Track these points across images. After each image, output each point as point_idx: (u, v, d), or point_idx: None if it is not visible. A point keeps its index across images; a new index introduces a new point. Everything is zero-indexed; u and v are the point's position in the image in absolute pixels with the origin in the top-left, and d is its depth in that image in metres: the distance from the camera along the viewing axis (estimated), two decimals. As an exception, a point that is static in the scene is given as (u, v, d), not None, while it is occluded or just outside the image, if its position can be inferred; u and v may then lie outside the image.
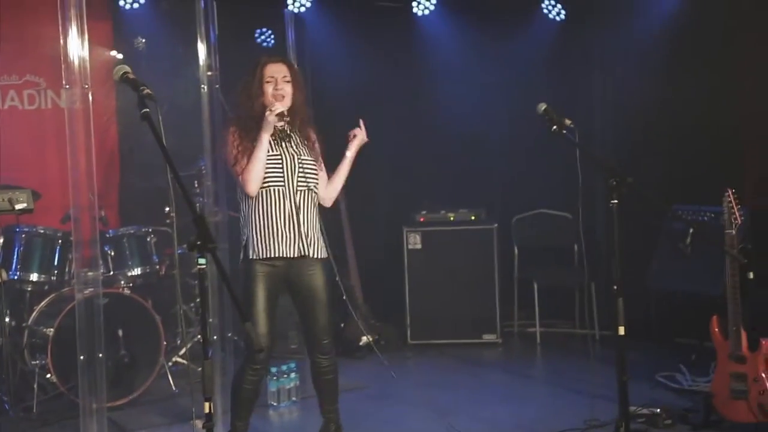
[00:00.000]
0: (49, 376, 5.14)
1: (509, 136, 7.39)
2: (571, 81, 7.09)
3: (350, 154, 4.23)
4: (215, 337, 4.97)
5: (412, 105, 7.54)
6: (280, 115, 3.93)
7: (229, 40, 5.64)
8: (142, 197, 6.59)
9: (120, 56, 6.54)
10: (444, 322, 6.76)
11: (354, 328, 6.55)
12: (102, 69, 6.33)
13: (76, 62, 4.56)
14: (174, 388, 5.53)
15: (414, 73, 7.60)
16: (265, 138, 3.92)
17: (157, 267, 5.80)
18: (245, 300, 3.93)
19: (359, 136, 4.22)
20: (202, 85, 5.40)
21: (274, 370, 5.25)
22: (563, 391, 5.45)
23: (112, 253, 5.60)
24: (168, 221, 6.10)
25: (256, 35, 7.28)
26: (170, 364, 5.75)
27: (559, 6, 7.23)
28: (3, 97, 6.49)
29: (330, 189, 4.25)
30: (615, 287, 3.88)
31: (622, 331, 3.73)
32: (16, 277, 5.33)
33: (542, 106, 4.25)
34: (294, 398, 5.34)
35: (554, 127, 4.06)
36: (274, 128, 3.96)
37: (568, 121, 4.21)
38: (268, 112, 3.90)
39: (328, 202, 4.26)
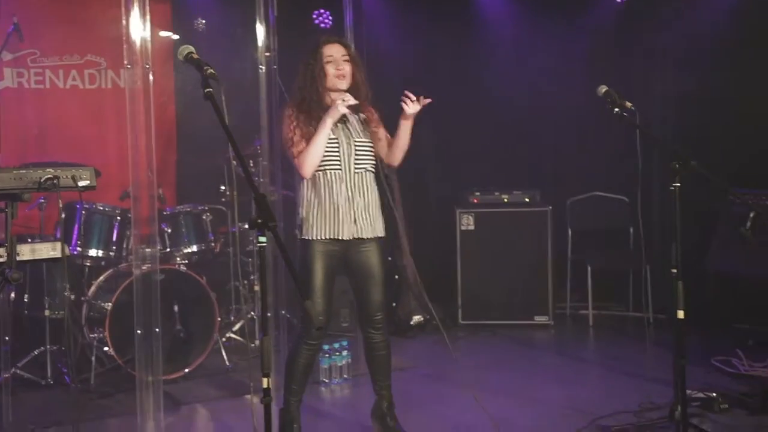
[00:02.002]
0: (106, 349, 5.26)
1: (564, 118, 7.33)
2: (630, 65, 6.99)
3: (406, 121, 4.09)
4: (269, 315, 5.03)
5: (468, 86, 7.51)
6: (352, 108, 3.94)
7: (287, 21, 5.67)
8: (199, 176, 6.69)
9: (176, 37, 6.64)
10: (496, 303, 6.74)
11: (406, 307, 6.59)
12: (161, 50, 6.45)
13: (138, 42, 4.62)
14: (227, 363, 5.60)
15: (470, 53, 7.56)
16: (330, 124, 3.93)
17: (213, 244, 5.88)
18: (303, 278, 3.96)
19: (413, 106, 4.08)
20: (260, 66, 5.44)
21: (326, 347, 5.30)
22: (616, 373, 5.41)
23: (169, 231, 5.68)
24: (224, 200, 6.19)
25: (314, 16, 7.30)
26: (224, 339, 5.83)
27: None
28: (65, 76, 6.61)
29: (395, 151, 4.16)
30: (674, 271, 3.85)
31: (681, 314, 3.69)
32: (75, 253, 5.44)
33: (603, 88, 4.21)
34: (345, 375, 5.39)
35: (616, 109, 4.02)
36: None
37: (628, 104, 4.17)
38: (340, 101, 3.91)
39: (395, 162, 4.19)
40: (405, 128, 4.09)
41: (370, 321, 4.18)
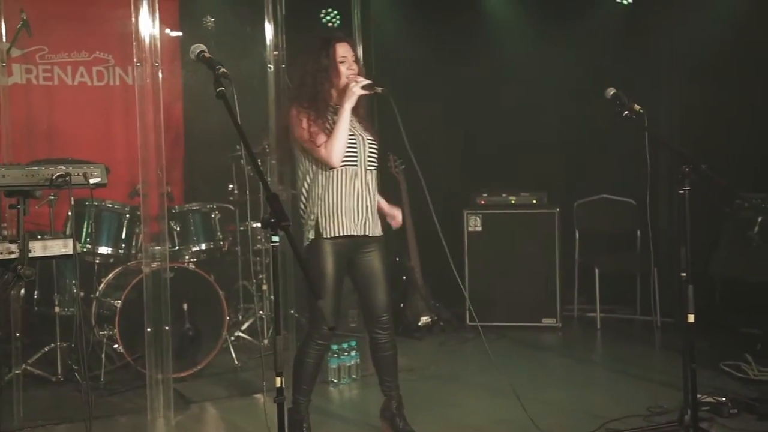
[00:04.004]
0: (116, 346, 5.26)
1: (572, 121, 7.32)
2: (637, 68, 6.97)
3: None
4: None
5: (476, 87, 7.51)
6: (367, 87, 3.94)
7: (295, 19, 5.68)
8: (206, 174, 6.70)
9: (175, 34, 6.65)
10: (503, 305, 6.74)
11: (413, 308, 6.59)
12: (169, 48, 6.45)
13: (147, 40, 4.64)
14: (236, 362, 5.60)
15: (478, 54, 7.56)
16: (349, 109, 3.93)
17: (221, 243, 5.88)
18: (314, 278, 3.95)
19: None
20: (269, 65, 5.45)
21: (334, 347, 5.30)
22: (624, 376, 5.40)
23: (178, 229, 5.68)
24: (231, 198, 6.20)
25: (322, 15, 7.31)
26: (232, 338, 5.83)
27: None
28: (73, 73, 6.63)
29: None
30: (683, 275, 3.85)
31: (691, 318, 3.69)
32: (85, 250, 5.44)
33: (611, 91, 4.22)
34: (354, 376, 5.38)
35: (625, 112, 4.02)
36: None
37: (637, 107, 4.18)
38: (353, 84, 3.92)
39: None
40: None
41: (376, 322, 4.17)
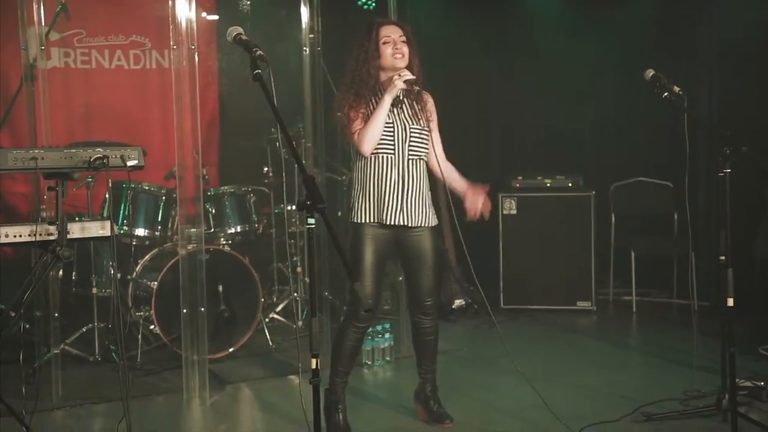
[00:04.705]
0: (152, 327, 5.32)
1: (609, 102, 7.26)
2: (675, 49, 6.87)
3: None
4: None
5: (512, 70, 7.47)
6: (409, 82, 3.92)
7: (331, 2, 5.66)
8: (241, 157, 6.73)
9: (211, 18, 6.67)
10: (537, 288, 6.72)
11: (448, 291, 6.59)
12: (205, 31, 6.48)
13: (184, 23, 4.66)
14: (271, 343, 5.64)
15: (514, 38, 7.53)
16: (389, 101, 3.91)
17: (256, 225, 5.91)
18: (353, 261, 3.96)
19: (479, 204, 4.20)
20: (304, 48, 5.45)
21: (368, 330, 5.31)
22: (661, 360, 5.37)
23: (213, 211, 5.73)
24: (266, 181, 6.22)
25: (358, -2, 7.28)
26: (267, 320, 5.86)
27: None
28: (110, 56, 6.68)
29: (434, 168, 4.18)
30: (722, 258, 3.81)
31: (731, 302, 3.65)
32: (122, 232, 5.50)
33: (650, 72, 4.17)
34: (388, 358, 5.40)
35: (665, 93, 3.97)
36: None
37: (676, 88, 4.13)
38: (396, 77, 3.89)
39: (435, 173, 4.20)
40: (460, 187, 4.20)
41: (420, 306, 4.17)
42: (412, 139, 4.02)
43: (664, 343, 5.77)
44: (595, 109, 7.35)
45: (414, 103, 4.08)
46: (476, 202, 4.19)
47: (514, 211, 6.79)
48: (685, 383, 4.64)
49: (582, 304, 6.67)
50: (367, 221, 3.99)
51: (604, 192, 7.04)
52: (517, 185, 6.90)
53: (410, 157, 4.02)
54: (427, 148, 4.09)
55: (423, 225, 4.08)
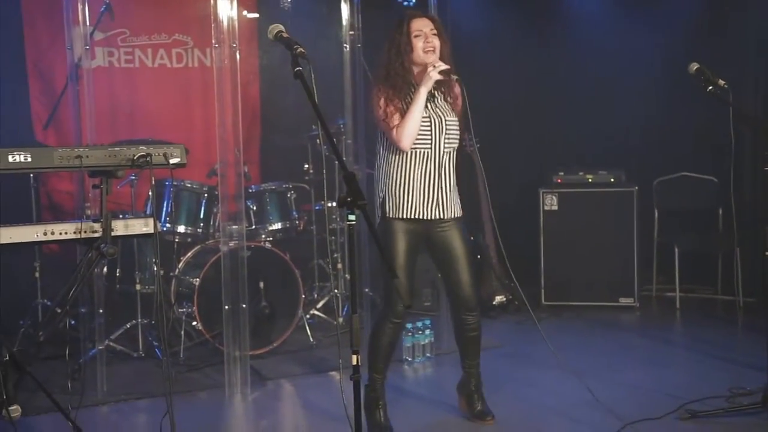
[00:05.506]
0: (195, 323, 5.37)
1: (652, 97, 7.17)
2: (719, 44, 6.76)
3: None
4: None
5: (553, 65, 7.41)
6: (444, 73, 3.92)
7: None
8: (282, 154, 6.77)
9: (252, 16, 6.71)
10: (579, 285, 6.67)
11: (489, 287, 6.56)
12: (246, 29, 6.51)
13: (225, 22, 4.69)
14: (311, 339, 5.66)
15: (555, 33, 7.46)
16: (424, 93, 3.91)
17: (296, 222, 5.94)
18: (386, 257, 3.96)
19: None
20: (345, 45, 5.46)
21: (409, 326, 5.31)
22: (705, 357, 5.29)
23: (254, 208, 5.77)
24: (307, 178, 6.25)
25: (399, -6, 7.27)
26: (308, 316, 5.89)
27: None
28: (153, 55, 6.75)
29: None
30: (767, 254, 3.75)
31: (776, 298, 3.58)
32: (164, 229, 5.55)
33: (694, 66, 4.12)
34: (428, 354, 5.39)
35: (710, 87, 3.92)
36: None
37: (721, 82, 4.08)
38: (431, 68, 3.89)
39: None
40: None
41: (463, 303, 4.15)
42: (448, 131, 4.02)
43: (709, 339, 5.70)
44: (638, 104, 7.26)
45: (445, 94, 4.08)
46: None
47: (555, 207, 6.75)
48: (731, 380, 4.57)
49: (625, 301, 6.61)
50: (401, 216, 3.99)
51: (647, 187, 6.95)
52: (559, 181, 6.84)
53: (446, 149, 4.02)
54: (459, 139, 4.10)
55: (452, 217, 4.08)
